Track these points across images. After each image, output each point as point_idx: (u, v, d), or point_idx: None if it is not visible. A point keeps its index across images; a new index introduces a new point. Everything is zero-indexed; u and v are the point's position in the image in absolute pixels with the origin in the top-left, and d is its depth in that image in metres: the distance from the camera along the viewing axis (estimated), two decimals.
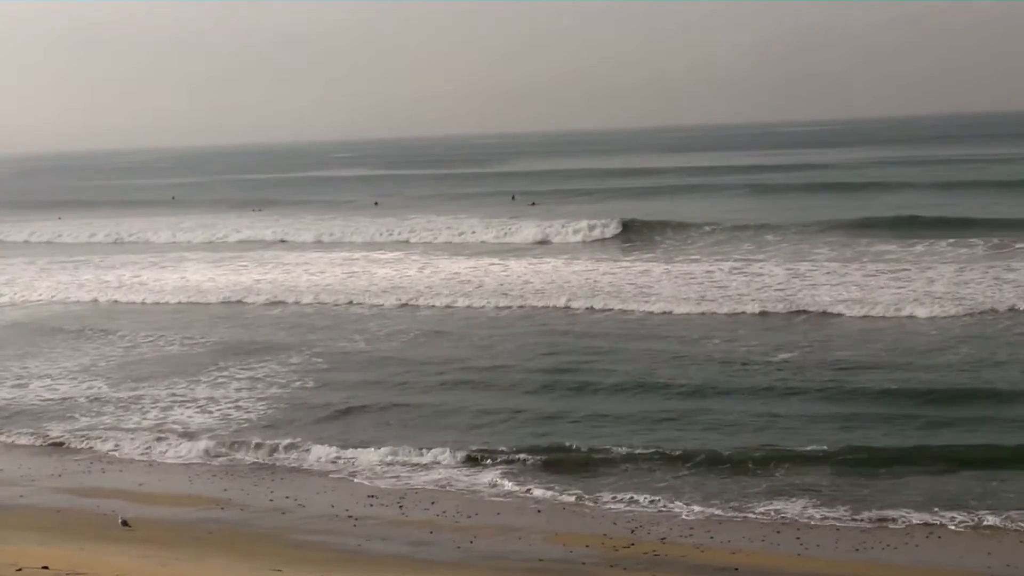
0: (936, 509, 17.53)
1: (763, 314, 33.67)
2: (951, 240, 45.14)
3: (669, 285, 39.09)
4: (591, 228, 56.18)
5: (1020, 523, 16.89)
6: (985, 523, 16.99)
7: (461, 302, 38.31)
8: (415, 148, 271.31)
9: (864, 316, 32.50)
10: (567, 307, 36.35)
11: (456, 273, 45.25)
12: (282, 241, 62.53)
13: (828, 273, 39.70)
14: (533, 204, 76.25)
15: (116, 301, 43.48)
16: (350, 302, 39.92)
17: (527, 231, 57.14)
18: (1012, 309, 31.73)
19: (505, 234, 57.36)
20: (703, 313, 34.30)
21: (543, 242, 55.36)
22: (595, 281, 41.07)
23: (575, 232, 56.09)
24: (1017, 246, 43.13)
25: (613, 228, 55.93)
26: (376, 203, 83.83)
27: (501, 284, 41.60)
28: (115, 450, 23.32)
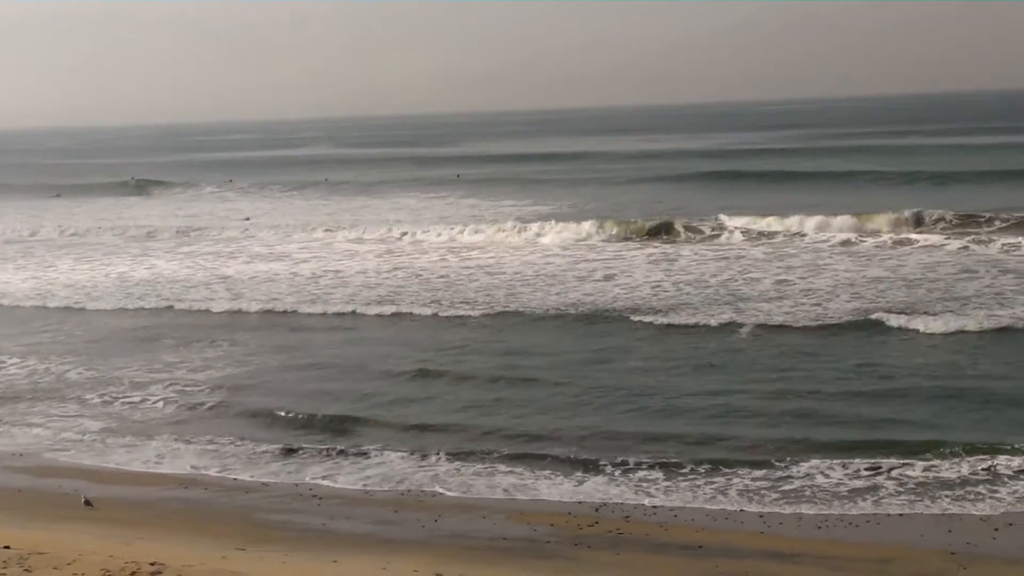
0: (896, 488, 17.73)
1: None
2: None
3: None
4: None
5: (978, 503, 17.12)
6: (946, 501, 17.20)
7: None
8: (387, 128, 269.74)
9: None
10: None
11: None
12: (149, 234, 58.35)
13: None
14: (458, 176, 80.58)
15: None
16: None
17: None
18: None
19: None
20: None
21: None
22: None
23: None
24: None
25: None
26: (326, 179, 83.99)
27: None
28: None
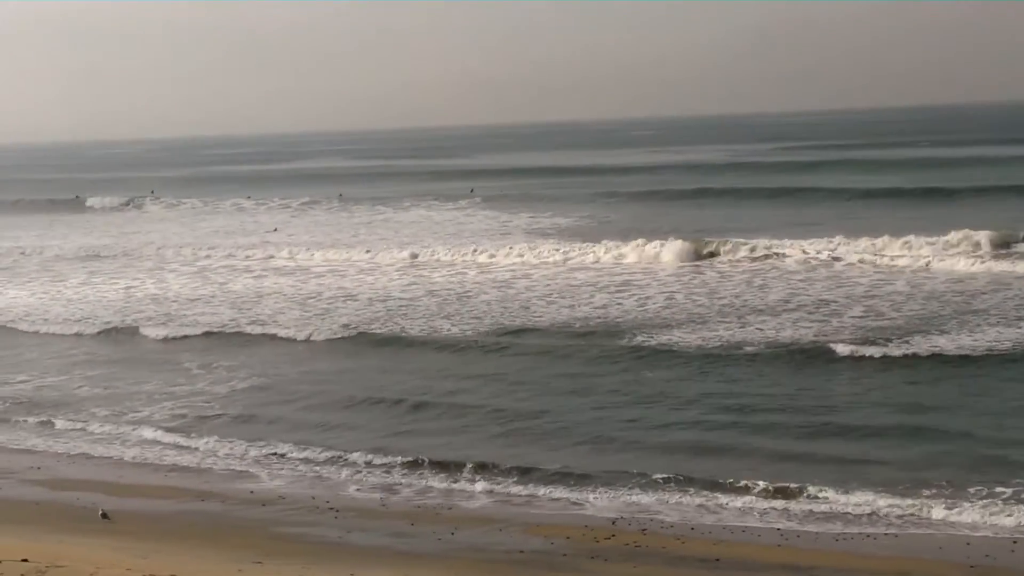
0: (917, 500, 17.65)
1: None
2: None
3: None
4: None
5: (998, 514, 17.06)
6: (965, 514, 17.12)
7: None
8: (394, 141, 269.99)
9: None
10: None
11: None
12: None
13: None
14: (471, 190, 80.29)
15: None
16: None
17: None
18: None
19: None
20: None
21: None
22: None
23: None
24: None
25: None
26: (340, 195, 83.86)
27: None
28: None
